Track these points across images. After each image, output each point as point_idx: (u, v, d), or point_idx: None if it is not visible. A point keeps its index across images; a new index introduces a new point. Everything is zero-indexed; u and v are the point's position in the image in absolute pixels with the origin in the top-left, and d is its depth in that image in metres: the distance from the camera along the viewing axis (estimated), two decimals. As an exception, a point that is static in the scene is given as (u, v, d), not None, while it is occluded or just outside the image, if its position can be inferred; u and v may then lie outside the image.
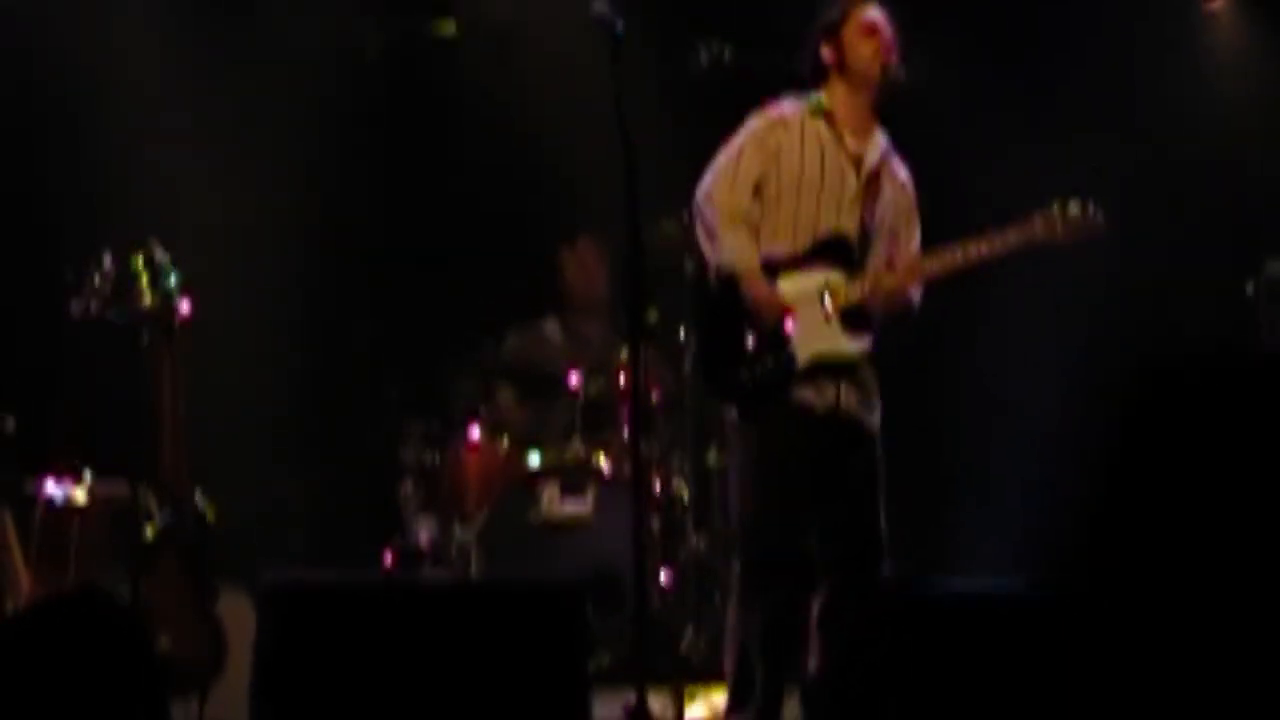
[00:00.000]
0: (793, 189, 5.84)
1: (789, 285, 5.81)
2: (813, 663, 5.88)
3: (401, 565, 7.89)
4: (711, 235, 5.85)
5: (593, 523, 7.75)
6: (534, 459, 7.94)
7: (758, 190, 5.84)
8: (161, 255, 6.61)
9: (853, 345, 5.84)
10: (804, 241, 5.85)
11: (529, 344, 8.45)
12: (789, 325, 5.78)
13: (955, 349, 8.62)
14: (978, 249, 5.82)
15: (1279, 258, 7.67)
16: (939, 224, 8.52)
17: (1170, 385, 3.83)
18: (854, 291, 5.82)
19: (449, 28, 9.19)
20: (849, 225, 5.86)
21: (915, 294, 5.94)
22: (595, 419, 8.01)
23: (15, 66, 8.14)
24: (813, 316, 5.80)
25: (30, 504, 6.86)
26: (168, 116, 8.26)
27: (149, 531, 6.64)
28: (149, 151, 8.17)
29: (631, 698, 5.27)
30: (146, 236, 6.66)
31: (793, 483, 5.77)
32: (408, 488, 8.05)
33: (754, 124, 5.90)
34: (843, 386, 5.82)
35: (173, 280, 6.61)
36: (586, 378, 8.01)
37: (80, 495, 6.87)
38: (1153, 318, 8.40)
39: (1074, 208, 5.80)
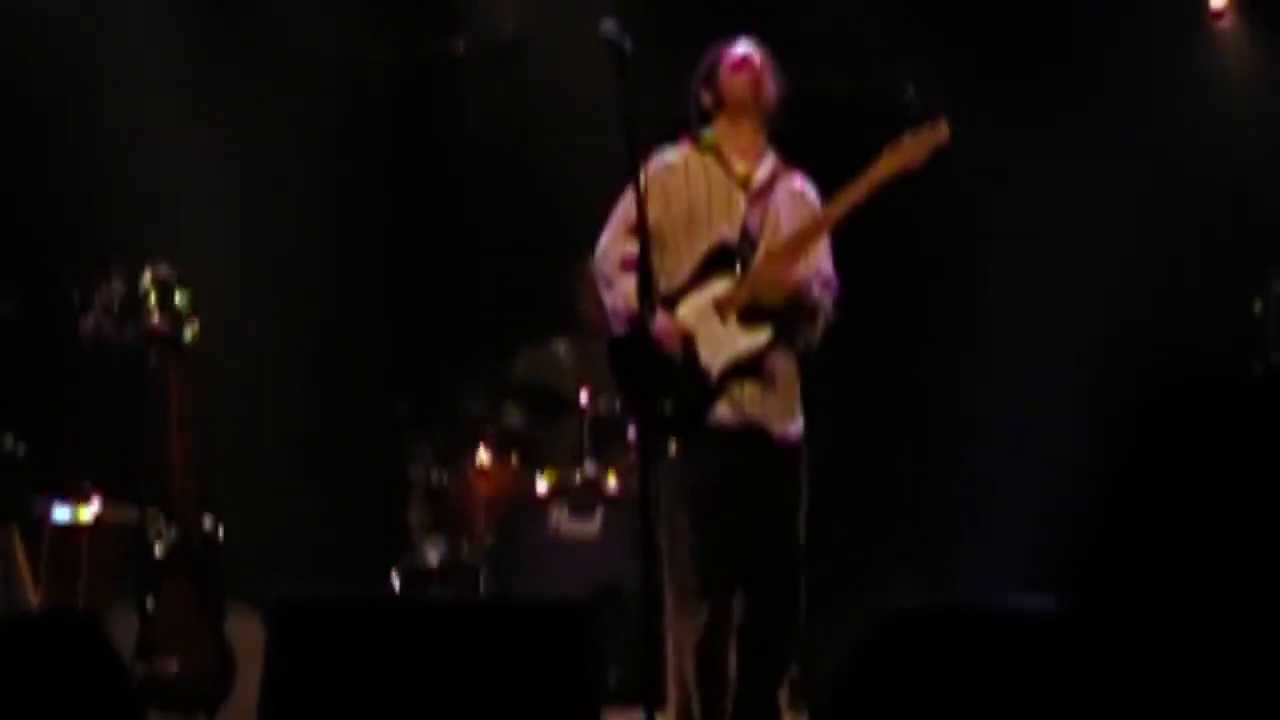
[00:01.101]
0: (683, 222, 6.00)
1: (686, 308, 5.95)
2: (732, 678, 5.96)
3: (410, 585, 7.89)
4: (609, 284, 6.01)
5: (601, 542, 7.75)
6: (542, 479, 7.94)
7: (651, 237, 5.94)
8: (169, 275, 6.62)
9: (752, 341, 5.93)
10: (695, 264, 5.99)
11: (538, 363, 8.44)
12: (696, 346, 5.90)
13: (963, 364, 8.62)
14: (838, 207, 5.93)
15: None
16: (947, 236, 8.58)
17: (1179, 401, 3.83)
18: (741, 293, 5.92)
19: (456, 48, 9.20)
20: (731, 233, 6.00)
21: (814, 281, 6.00)
22: (604, 438, 8.00)
23: (20, 85, 8.16)
24: (712, 330, 5.92)
25: (39, 524, 6.87)
26: (175, 135, 8.26)
27: (157, 551, 6.66)
28: (157, 171, 8.19)
29: (640, 717, 5.27)
30: (154, 257, 6.67)
31: (710, 505, 5.87)
32: (416, 507, 8.04)
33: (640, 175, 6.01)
34: (748, 389, 5.90)
35: (180, 300, 6.62)
36: (595, 397, 8.00)
37: (89, 515, 6.88)
38: (1160, 333, 8.39)
39: (918, 132, 5.92)
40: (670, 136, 6.18)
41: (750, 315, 5.92)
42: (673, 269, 6.00)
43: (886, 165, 5.92)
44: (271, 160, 8.45)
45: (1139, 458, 3.85)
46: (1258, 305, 7.61)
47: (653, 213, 5.88)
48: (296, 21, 8.74)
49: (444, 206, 9.11)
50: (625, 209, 5.98)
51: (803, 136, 6.12)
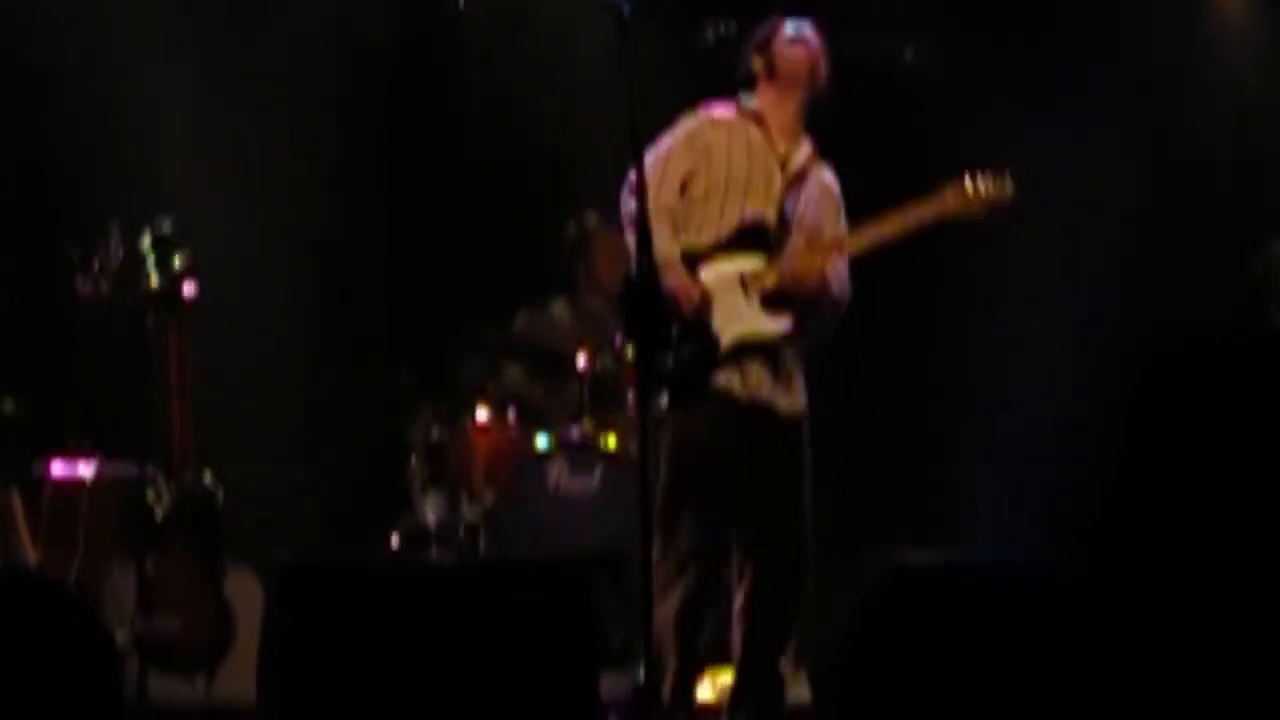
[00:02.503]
0: (720, 185, 6.02)
1: (709, 273, 5.98)
2: (736, 648, 6.02)
3: (409, 545, 7.90)
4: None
5: (600, 500, 7.76)
6: (542, 438, 7.94)
7: (685, 188, 6.02)
8: (169, 234, 6.61)
9: (771, 326, 5.97)
10: (726, 232, 6.01)
11: (537, 323, 8.44)
12: (710, 311, 5.93)
13: (964, 326, 8.62)
14: (891, 226, 5.95)
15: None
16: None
17: (1181, 365, 3.83)
18: (772, 275, 5.96)
19: (456, 8, 9.17)
20: (769, 213, 6.02)
21: (835, 283, 6.03)
22: (603, 398, 8.01)
23: (18, 45, 8.14)
24: (732, 301, 5.95)
25: (39, 484, 6.87)
26: (176, 95, 8.25)
27: (157, 511, 6.66)
28: (157, 131, 8.17)
29: (639, 677, 5.28)
30: (153, 216, 6.66)
31: (711, 469, 5.91)
32: (415, 467, 8.04)
33: (685, 124, 6.10)
34: (757, 370, 5.94)
35: (180, 260, 6.62)
36: (594, 357, 8.01)
37: (88, 475, 6.87)
38: (1160, 295, 8.40)
39: (983, 180, 5.92)
40: (672, 92, 6.18)
41: (774, 300, 5.94)
42: (699, 227, 6.03)
43: (949, 206, 5.90)
44: (271, 121, 8.44)
45: (1144, 418, 3.85)
46: (1258, 263, 7.62)
47: (688, 164, 6.01)
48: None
49: (444, 167, 9.09)
50: (673, 161, 6.03)
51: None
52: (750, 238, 5.99)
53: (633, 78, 5.00)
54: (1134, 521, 3.80)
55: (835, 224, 6.14)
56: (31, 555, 6.71)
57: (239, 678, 6.40)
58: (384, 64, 9.09)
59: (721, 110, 6.12)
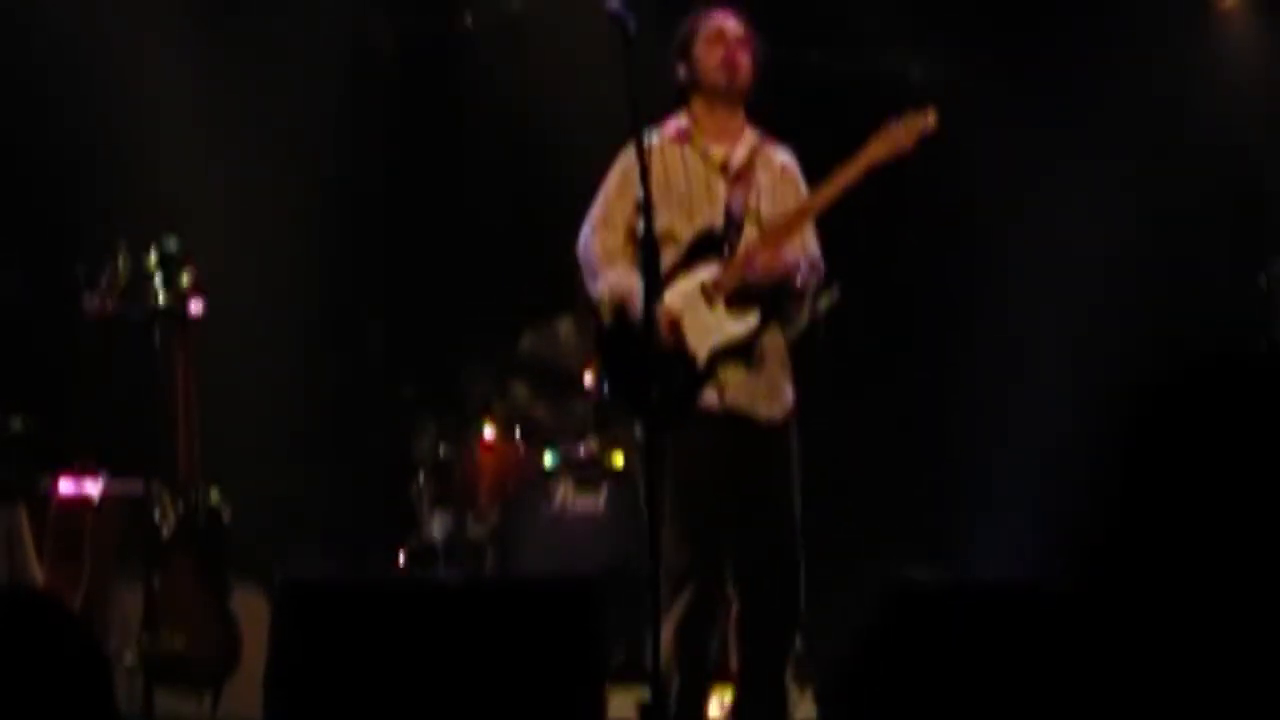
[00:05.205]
0: (665, 213, 5.86)
1: (672, 294, 5.87)
2: (734, 663, 5.99)
3: (415, 562, 7.90)
4: (594, 276, 5.98)
5: (606, 518, 7.75)
6: (548, 456, 7.94)
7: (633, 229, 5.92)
8: (175, 252, 6.62)
9: (740, 328, 5.89)
10: (681, 251, 5.94)
11: (544, 341, 8.45)
12: (682, 331, 5.86)
13: (966, 344, 8.62)
14: (833, 187, 5.88)
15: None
16: (952, 215, 8.59)
17: (1185, 382, 3.83)
18: (728, 275, 5.88)
19: (464, 24, 9.19)
20: (717, 219, 5.95)
21: (802, 259, 5.94)
22: (608, 415, 8.01)
23: (27, 62, 8.16)
24: (700, 315, 5.88)
25: (45, 501, 6.88)
26: (182, 113, 8.26)
27: (163, 529, 6.66)
28: (163, 149, 8.18)
29: (645, 695, 5.28)
30: (160, 233, 6.68)
31: (695, 486, 5.84)
32: (422, 485, 8.05)
33: (620, 163, 6.01)
34: (735, 378, 5.88)
35: (186, 277, 6.63)
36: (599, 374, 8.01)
37: (94, 492, 6.88)
38: (1164, 312, 8.39)
39: (905, 118, 5.89)
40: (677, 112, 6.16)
41: (738, 300, 5.88)
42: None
43: (875, 151, 5.88)
44: (277, 139, 8.45)
45: (1147, 436, 3.85)
46: (1263, 282, 7.62)
47: (629, 204, 5.90)
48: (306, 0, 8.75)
49: (449, 184, 9.10)
50: (612, 204, 5.98)
51: (807, 117, 6.12)
52: (703, 249, 5.92)
53: (637, 92, 5.01)
54: (1137, 540, 3.80)
55: (798, 202, 6.07)
56: (38, 573, 6.72)
57: (245, 695, 6.41)
58: (390, 81, 9.10)
59: (652, 137, 6.00)
